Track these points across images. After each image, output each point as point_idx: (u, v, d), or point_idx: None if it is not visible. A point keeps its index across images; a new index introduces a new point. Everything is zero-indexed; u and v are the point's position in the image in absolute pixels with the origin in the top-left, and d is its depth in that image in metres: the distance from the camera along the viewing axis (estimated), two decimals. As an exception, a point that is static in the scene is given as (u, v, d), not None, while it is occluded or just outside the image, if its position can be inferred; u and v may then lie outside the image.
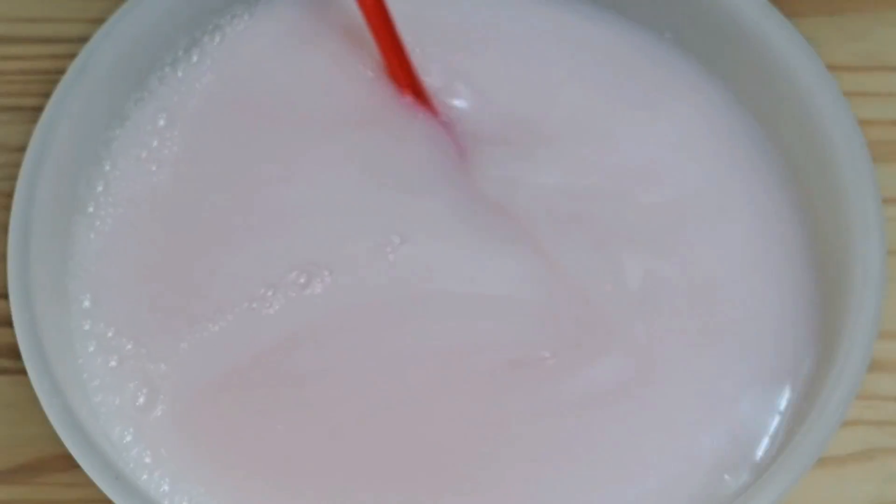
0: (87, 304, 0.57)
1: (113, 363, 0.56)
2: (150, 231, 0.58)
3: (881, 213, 0.55)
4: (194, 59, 0.62)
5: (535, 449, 0.54)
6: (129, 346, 0.56)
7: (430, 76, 0.60)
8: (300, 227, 0.58)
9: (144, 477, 0.54)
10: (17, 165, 0.56)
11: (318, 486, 0.55)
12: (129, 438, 0.55)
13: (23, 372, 0.54)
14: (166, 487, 0.54)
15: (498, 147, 0.60)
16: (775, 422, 0.55)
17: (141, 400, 0.56)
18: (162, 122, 0.60)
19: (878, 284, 0.54)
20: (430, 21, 0.62)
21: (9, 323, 0.55)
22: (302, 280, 0.57)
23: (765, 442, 0.55)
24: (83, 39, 0.60)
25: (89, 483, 0.51)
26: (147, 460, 0.55)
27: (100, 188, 0.59)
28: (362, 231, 0.58)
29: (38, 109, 0.58)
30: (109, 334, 0.57)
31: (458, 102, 0.61)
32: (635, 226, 0.59)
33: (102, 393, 0.56)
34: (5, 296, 0.55)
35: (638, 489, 0.54)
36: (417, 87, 0.60)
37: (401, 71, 0.60)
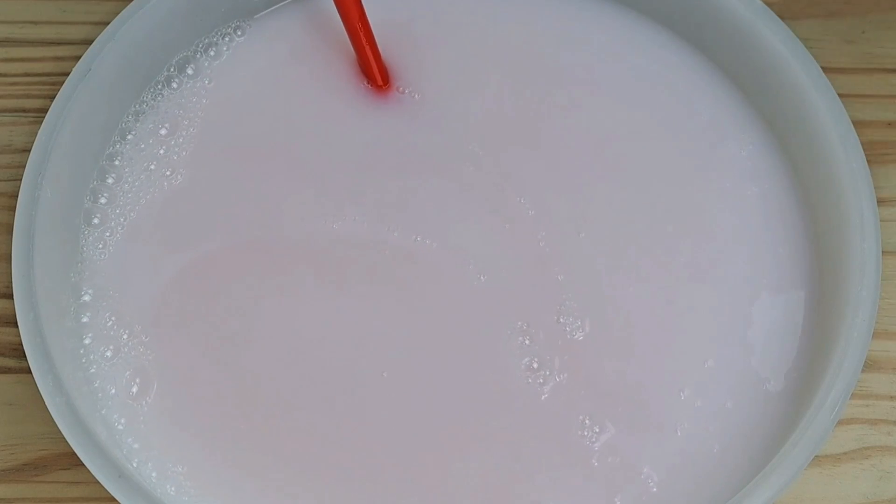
0: (87, 298, 0.58)
1: (109, 353, 0.57)
2: (158, 233, 0.59)
3: (877, 214, 0.56)
4: (189, 72, 0.62)
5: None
6: (125, 336, 0.57)
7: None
8: (307, 224, 0.59)
9: (135, 463, 0.55)
10: (21, 167, 0.56)
11: (298, 476, 0.55)
12: (121, 426, 0.56)
13: (26, 371, 0.54)
14: (154, 476, 0.55)
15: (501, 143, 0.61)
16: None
17: (134, 389, 0.56)
18: (164, 132, 0.61)
19: (873, 284, 0.54)
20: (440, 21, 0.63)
21: (12, 322, 0.55)
22: (303, 279, 0.58)
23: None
24: (86, 42, 0.60)
25: (92, 481, 0.51)
26: (136, 446, 0.56)
27: (104, 200, 0.60)
28: (360, 217, 0.59)
29: (42, 111, 0.58)
30: (109, 323, 0.57)
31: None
32: (636, 224, 0.59)
33: (100, 380, 0.57)
34: (8, 296, 0.55)
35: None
36: (386, 78, 0.62)
37: (373, 63, 0.61)
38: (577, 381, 0.56)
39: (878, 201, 0.56)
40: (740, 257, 0.59)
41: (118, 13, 0.59)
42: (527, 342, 0.57)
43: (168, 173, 0.60)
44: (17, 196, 0.56)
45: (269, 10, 0.64)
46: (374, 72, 0.61)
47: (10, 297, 0.54)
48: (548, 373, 0.56)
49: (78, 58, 0.58)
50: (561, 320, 0.57)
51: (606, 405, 0.56)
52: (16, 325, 0.54)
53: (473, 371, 0.57)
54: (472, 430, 0.56)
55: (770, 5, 0.59)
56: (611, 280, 0.58)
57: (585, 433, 0.55)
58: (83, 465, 0.51)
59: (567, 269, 0.58)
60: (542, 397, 0.56)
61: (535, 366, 0.56)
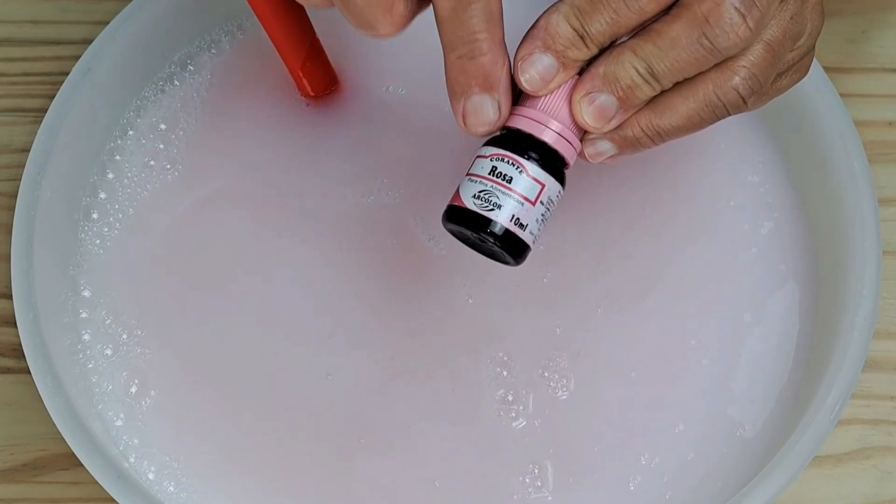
0: (86, 293, 0.58)
1: (108, 351, 0.57)
2: (158, 229, 0.59)
3: (877, 214, 0.56)
4: (191, 68, 0.62)
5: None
6: (124, 336, 0.57)
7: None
8: (309, 223, 0.59)
9: (132, 459, 0.55)
10: (21, 166, 0.56)
11: (289, 473, 0.55)
12: (120, 422, 0.56)
13: (26, 371, 0.54)
14: (152, 472, 0.55)
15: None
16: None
17: (133, 389, 0.56)
18: (164, 127, 0.61)
19: (874, 284, 0.54)
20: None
21: (11, 322, 0.55)
22: (303, 278, 0.58)
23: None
24: (86, 41, 0.60)
25: (91, 481, 0.51)
26: (134, 442, 0.56)
27: (104, 195, 0.60)
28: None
29: (42, 111, 0.58)
30: (108, 321, 0.58)
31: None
32: (635, 231, 0.59)
33: (97, 376, 0.57)
34: (8, 296, 0.55)
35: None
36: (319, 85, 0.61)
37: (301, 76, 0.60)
38: (546, 431, 0.56)
39: (879, 201, 0.56)
40: (738, 257, 0.59)
41: (118, 13, 0.59)
42: (504, 374, 0.57)
43: (167, 167, 0.60)
44: (16, 196, 0.56)
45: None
46: (303, 84, 0.61)
47: (10, 297, 0.54)
48: (521, 408, 0.56)
49: (78, 57, 0.58)
50: (546, 375, 0.57)
51: (562, 463, 0.55)
52: (15, 325, 0.54)
53: (443, 386, 0.56)
54: (424, 439, 0.56)
55: (770, 5, 0.58)
56: (610, 341, 0.57)
57: (526, 480, 0.55)
58: (82, 465, 0.51)
59: (567, 323, 0.57)
60: (506, 432, 0.56)
61: (510, 398, 0.56)
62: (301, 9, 0.56)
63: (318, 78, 0.60)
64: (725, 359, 0.57)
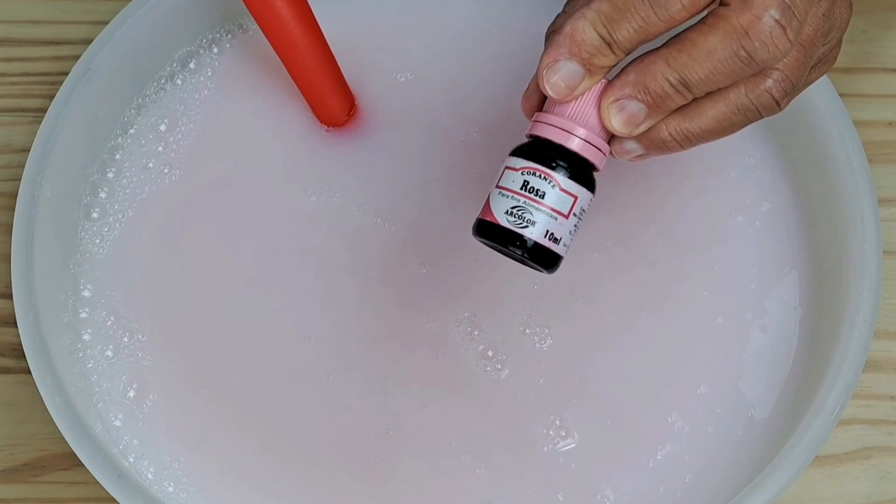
0: (86, 293, 0.58)
1: (109, 352, 0.57)
2: (157, 231, 0.59)
3: (877, 214, 0.56)
4: (192, 66, 0.62)
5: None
6: (126, 339, 0.57)
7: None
8: (308, 224, 0.59)
9: (132, 459, 0.55)
10: (21, 166, 0.56)
11: (287, 478, 0.55)
12: (119, 422, 0.56)
13: (26, 371, 0.54)
14: (151, 473, 0.55)
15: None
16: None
17: (132, 393, 0.56)
18: (163, 128, 0.61)
19: (874, 284, 0.54)
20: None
21: (11, 322, 0.55)
22: (301, 280, 0.58)
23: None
24: (86, 41, 0.60)
25: (92, 481, 0.51)
26: (135, 443, 0.56)
27: (104, 195, 0.60)
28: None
29: (42, 111, 0.58)
30: (108, 322, 0.58)
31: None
32: (630, 228, 0.59)
33: (97, 375, 0.57)
34: (8, 296, 0.55)
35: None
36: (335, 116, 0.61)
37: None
38: (553, 386, 0.56)
39: (879, 201, 0.56)
40: (737, 258, 0.59)
41: (117, 12, 0.59)
42: (476, 333, 0.57)
43: (166, 170, 0.60)
44: (16, 196, 0.56)
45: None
46: (323, 111, 0.61)
47: (10, 297, 0.54)
48: (505, 357, 0.56)
49: (77, 57, 0.58)
50: (527, 331, 0.57)
51: (583, 415, 0.56)
52: (15, 325, 0.54)
53: (429, 365, 0.57)
54: (429, 416, 0.56)
55: (771, 5, 0.58)
56: (606, 297, 0.58)
57: (551, 433, 0.55)
58: (83, 465, 0.51)
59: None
60: (502, 388, 0.56)
61: (490, 354, 0.57)
62: (321, 39, 0.58)
63: (344, 107, 0.61)
64: (736, 324, 0.57)
